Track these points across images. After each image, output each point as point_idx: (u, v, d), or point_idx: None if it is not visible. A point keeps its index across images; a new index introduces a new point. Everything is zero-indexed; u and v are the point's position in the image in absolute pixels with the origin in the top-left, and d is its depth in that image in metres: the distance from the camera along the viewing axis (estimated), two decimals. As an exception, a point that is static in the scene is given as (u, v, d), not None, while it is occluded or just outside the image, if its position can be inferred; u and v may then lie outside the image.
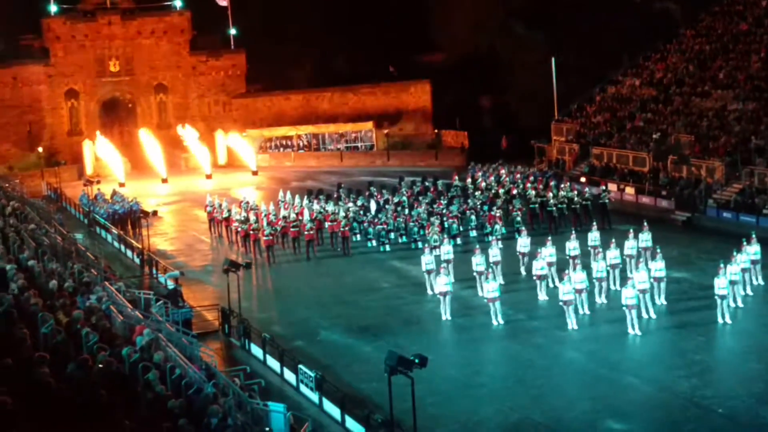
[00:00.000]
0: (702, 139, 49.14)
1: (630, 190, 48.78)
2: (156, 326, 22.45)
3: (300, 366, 25.00)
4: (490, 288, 29.27)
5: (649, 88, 57.20)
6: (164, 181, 62.22)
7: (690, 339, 27.26)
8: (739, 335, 27.81)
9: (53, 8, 68.38)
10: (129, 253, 41.54)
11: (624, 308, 27.44)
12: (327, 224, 40.93)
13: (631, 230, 33.73)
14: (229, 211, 43.66)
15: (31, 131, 67.22)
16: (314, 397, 23.84)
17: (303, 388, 24.49)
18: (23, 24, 68.96)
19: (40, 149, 65.74)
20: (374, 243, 40.48)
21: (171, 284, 32.40)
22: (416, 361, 19.15)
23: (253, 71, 73.19)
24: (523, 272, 33.96)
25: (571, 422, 22.20)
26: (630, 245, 32.74)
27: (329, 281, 36.28)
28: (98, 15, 69.22)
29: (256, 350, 27.80)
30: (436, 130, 70.64)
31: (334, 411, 22.95)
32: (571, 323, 28.14)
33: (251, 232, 40.33)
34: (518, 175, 49.86)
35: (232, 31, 72.14)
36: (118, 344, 18.98)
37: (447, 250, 33.92)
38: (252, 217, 41.57)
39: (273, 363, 26.63)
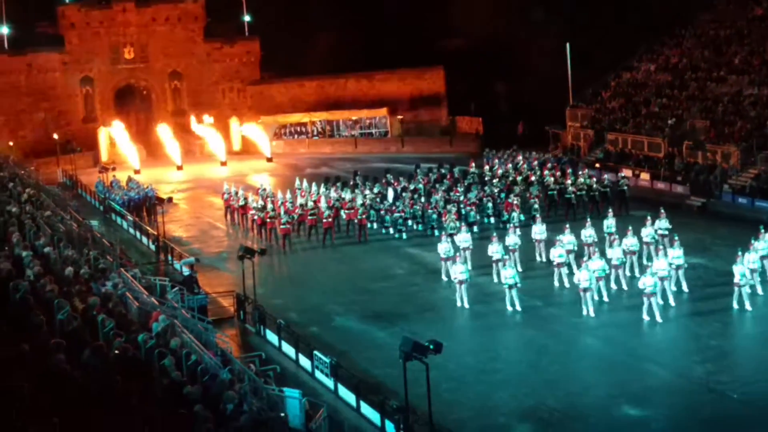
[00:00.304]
0: (717, 124, 49.06)
1: (645, 176, 48.70)
2: (171, 312, 22.55)
3: (315, 352, 25.02)
4: (507, 275, 29.16)
5: (664, 74, 57.04)
6: (179, 168, 62.38)
7: (706, 325, 27.16)
8: (757, 321, 27.59)
9: (67, -4, 68.59)
10: (144, 239, 41.71)
11: (643, 295, 27.35)
12: (344, 212, 40.79)
13: (648, 216, 33.55)
14: (245, 198, 43.54)
15: (46, 118, 67.40)
16: (329, 383, 23.84)
17: (318, 374, 24.49)
18: (38, 11, 69.17)
19: (56, 136, 65.86)
20: (391, 230, 40.35)
21: (186, 271, 32.49)
22: (431, 347, 19.12)
23: (267, 58, 73.15)
24: (539, 259, 33.81)
25: (586, 408, 22.16)
26: (647, 232, 32.59)
27: (345, 268, 36.28)
28: (113, 2, 69.44)
29: (272, 336, 27.80)
30: (450, 117, 70.52)
31: (349, 397, 22.96)
32: (587, 310, 28.01)
33: (268, 220, 40.26)
34: (535, 162, 49.76)
35: (247, 18, 72.14)
36: (134, 330, 19.07)
37: (464, 238, 33.71)
38: (269, 205, 41.44)
39: (288, 349, 26.63)
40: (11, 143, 63.84)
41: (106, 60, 69.43)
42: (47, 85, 68.17)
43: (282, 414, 18.81)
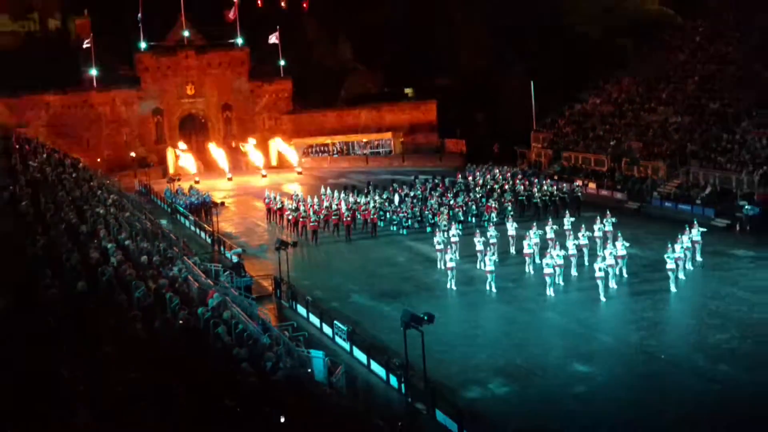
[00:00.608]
0: (648, 145, 49.15)
1: (592, 185, 48.65)
2: (224, 291, 22.63)
3: (335, 321, 25.16)
4: (487, 262, 29.30)
5: (607, 106, 57.02)
6: (229, 179, 62.40)
7: (641, 302, 27.25)
8: (680, 299, 27.73)
9: (143, 45, 68.60)
10: (202, 234, 41.79)
11: (595, 279, 27.37)
12: (359, 213, 40.68)
13: (597, 217, 33.53)
14: (282, 202, 43.60)
15: (126, 140, 67.64)
16: (346, 346, 24.01)
17: (338, 339, 24.64)
18: (120, 57, 69.46)
19: (133, 154, 66.13)
20: (396, 227, 40.30)
21: (235, 258, 32.61)
22: (426, 318, 19.17)
23: (297, 93, 73.26)
24: (511, 251, 33.72)
25: (545, 365, 22.33)
26: (597, 227, 32.64)
27: (359, 257, 36.29)
28: (178, 51, 69.52)
29: (301, 310, 27.97)
30: (440, 139, 70.58)
31: (361, 357, 23.11)
32: (550, 291, 28.07)
33: (300, 219, 40.32)
34: (508, 174, 49.68)
35: (282, 63, 72.22)
36: (194, 305, 19.11)
37: (453, 233, 33.72)
38: (301, 207, 41.49)
39: (314, 319, 26.79)
40: (99, 159, 63.99)
41: (173, 95, 69.51)
42: (127, 115, 68.30)
43: (309, 370, 18.90)
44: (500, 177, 48.72)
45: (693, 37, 59.10)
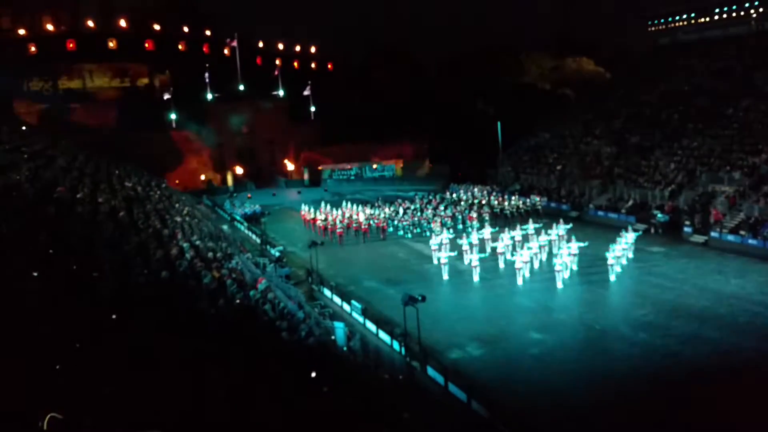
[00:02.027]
0: (585, 169, 48.96)
1: (543, 199, 48.41)
2: (269, 278, 22.74)
3: (352, 301, 25.22)
4: (473, 258, 29.37)
5: (555, 139, 56.90)
6: (274, 195, 62.45)
7: (586, 288, 27.09)
8: (617, 286, 27.56)
9: (209, 96, 68.87)
10: (253, 237, 41.69)
11: (554, 272, 27.19)
12: (373, 222, 40.13)
13: (554, 224, 33.25)
14: (314, 213, 43.13)
15: (197, 167, 67.86)
16: (360, 319, 24.05)
17: (354, 314, 24.69)
18: (192, 105, 69.53)
19: (203, 177, 66.26)
20: (401, 233, 39.65)
21: (277, 254, 32.71)
22: (420, 298, 19.26)
23: (325, 131, 73.52)
24: (488, 251, 32.79)
25: (510, 333, 22.35)
26: (555, 232, 32.33)
27: (371, 254, 36.08)
28: (234, 100, 69.53)
29: (327, 292, 28.02)
30: (431, 164, 70.53)
31: (372, 327, 23.14)
32: (520, 280, 27.89)
33: (329, 226, 39.90)
34: (485, 192, 49.15)
35: (312, 108, 72.49)
36: (248, 289, 19.24)
37: (445, 237, 32.95)
38: (329, 218, 40.97)
39: (336, 299, 26.84)
40: (177, 181, 64.21)
41: (231, 133, 69.69)
42: (197, 147, 68.60)
43: (333, 337, 18.96)
44: (479, 193, 48.32)
45: (618, 88, 59.01)
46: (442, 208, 43.18)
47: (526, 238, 31.91)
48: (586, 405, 17.05)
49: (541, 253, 30.44)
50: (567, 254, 28.13)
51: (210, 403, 8.77)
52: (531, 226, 33.53)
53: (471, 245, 31.85)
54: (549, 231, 32.37)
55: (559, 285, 26.97)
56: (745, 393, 17.27)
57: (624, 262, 29.71)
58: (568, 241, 29.91)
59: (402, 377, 18.34)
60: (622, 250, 29.07)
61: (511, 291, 27.38)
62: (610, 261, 27.77)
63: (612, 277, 27.70)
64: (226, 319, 14.61)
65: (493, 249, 32.05)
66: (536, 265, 29.89)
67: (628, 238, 30.43)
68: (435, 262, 31.74)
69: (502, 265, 30.57)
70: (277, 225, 45.90)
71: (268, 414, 9.16)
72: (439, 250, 31.05)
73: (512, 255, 29.75)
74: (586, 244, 29.34)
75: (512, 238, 31.83)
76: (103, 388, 7.73)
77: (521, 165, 56.03)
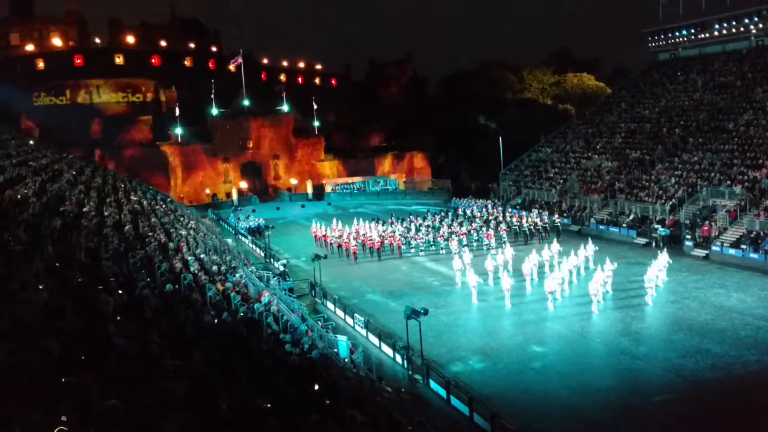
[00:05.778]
0: (587, 183, 48.96)
1: (545, 213, 48.36)
2: (273, 291, 22.72)
3: (355, 314, 25.14)
4: (506, 281, 26.64)
5: (557, 154, 56.98)
6: (278, 208, 62.53)
7: (582, 304, 26.80)
8: (613, 300, 27.39)
9: (215, 111, 69.26)
10: (258, 250, 41.68)
11: (589, 295, 25.62)
12: (387, 239, 38.66)
13: (582, 245, 31.61)
14: (325, 230, 41.87)
15: (202, 181, 68.06)
16: (363, 332, 23.96)
17: (357, 327, 24.61)
18: (197, 120, 70.02)
19: (208, 191, 66.48)
20: (415, 250, 38.17)
21: (281, 268, 32.65)
22: (422, 311, 19.22)
23: (328, 146, 73.78)
24: (511, 270, 29.82)
25: (511, 346, 22.26)
26: (583, 253, 30.78)
27: (378, 269, 35.38)
28: (239, 116, 70.09)
29: (330, 305, 27.94)
30: (433, 180, 70.69)
31: (374, 340, 23.06)
32: (552, 305, 25.91)
33: (343, 243, 38.39)
34: (499, 208, 48.21)
35: (316, 123, 72.80)
36: (252, 302, 19.23)
37: (468, 258, 31.02)
38: (343, 235, 39.71)
39: (339, 312, 26.77)
40: (182, 195, 64.37)
41: (236, 148, 69.92)
42: (203, 163, 68.77)
43: (336, 350, 18.90)
44: (493, 210, 46.83)
45: (619, 103, 59.20)
46: (457, 224, 41.58)
47: (552, 260, 30.41)
48: (587, 418, 16.93)
49: (570, 276, 28.64)
50: (600, 281, 26.04)
51: (214, 415, 8.75)
52: (554, 246, 31.72)
53: (498, 266, 29.74)
54: (577, 252, 30.70)
55: (596, 310, 25.16)
56: (748, 407, 17.13)
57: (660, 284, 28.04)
58: (604, 263, 27.56)
59: (404, 390, 18.21)
60: (656, 275, 27.28)
61: (542, 316, 25.25)
62: (647, 284, 26.34)
63: (649, 301, 26.24)
64: (229, 331, 14.58)
65: (516, 269, 29.68)
66: (566, 289, 27.85)
67: (662, 263, 28.75)
68: (458, 282, 29.95)
69: (529, 288, 28.66)
70: (281, 239, 45.89)
71: (271, 427, 9.14)
72: (464, 273, 29.29)
73: (540, 276, 28.30)
74: (614, 266, 27.47)
75: (539, 259, 29.96)
76: (107, 401, 7.73)
77: (523, 179, 56.08)
